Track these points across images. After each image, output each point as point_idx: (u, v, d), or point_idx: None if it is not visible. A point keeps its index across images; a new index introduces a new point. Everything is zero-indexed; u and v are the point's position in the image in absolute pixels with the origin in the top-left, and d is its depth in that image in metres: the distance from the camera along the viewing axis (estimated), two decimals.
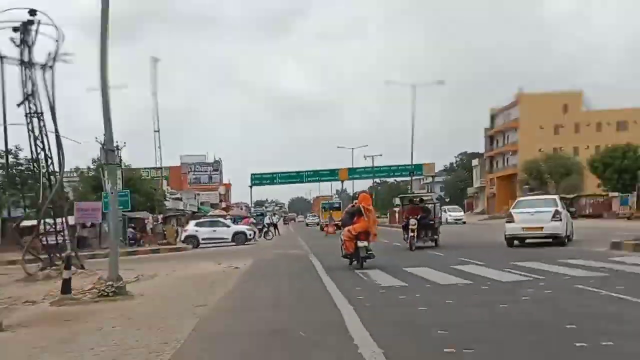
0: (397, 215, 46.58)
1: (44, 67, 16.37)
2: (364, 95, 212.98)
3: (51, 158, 16.82)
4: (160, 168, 45.49)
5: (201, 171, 78.29)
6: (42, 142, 16.64)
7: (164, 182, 50.30)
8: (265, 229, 35.42)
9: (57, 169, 16.62)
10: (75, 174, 40.52)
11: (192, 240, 28.58)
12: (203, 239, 28.70)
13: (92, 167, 36.52)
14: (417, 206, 18.81)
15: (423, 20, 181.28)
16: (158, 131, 44.71)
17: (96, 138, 34.10)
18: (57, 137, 16.33)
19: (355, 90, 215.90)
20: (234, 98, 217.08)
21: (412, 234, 17.03)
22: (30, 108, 16.27)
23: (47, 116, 16.20)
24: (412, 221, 17.16)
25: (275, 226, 37.79)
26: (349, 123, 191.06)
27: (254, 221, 36.06)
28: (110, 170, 10.30)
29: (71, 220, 28.27)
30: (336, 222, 34.72)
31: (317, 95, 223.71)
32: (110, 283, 9.62)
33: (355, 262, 12.46)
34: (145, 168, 48.80)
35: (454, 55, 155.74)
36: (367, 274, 11.24)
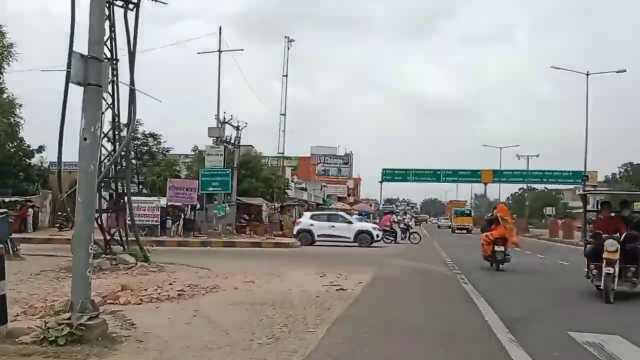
0: (559, 227, 37.24)
1: (125, 4, 12.81)
2: (507, 101, 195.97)
3: (118, 115, 12.96)
4: (282, 154, 41.69)
5: (330, 163, 74.29)
6: (112, 94, 12.82)
7: (288, 170, 46.62)
8: (412, 230, 29.68)
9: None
10: (193, 153, 38.04)
11: (306, 235, 23.57)
12: (319, 235, 23.62)
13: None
14: (615, 216, 9.89)
15: (574, 26, 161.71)
16: (284, 114, 41.05)
17: (216, 116, 30.63)
18: (132, 90, 12.36)
19: (498, 96, 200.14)
20: (372, 96, 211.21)
21: (608, 270, 8.58)
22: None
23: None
24: (610, 244, 8.69)
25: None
26: (489, 129, 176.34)
27: (395, 219, 29.47)
28: (89, 96, 5.18)
29: (163, 200, 25.32)
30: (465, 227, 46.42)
31: (458, 97, 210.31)
32: (67, 318, 4.68)
33: (494, 264, 13.75)
34: (273, 157, 45.77)
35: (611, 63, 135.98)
36: (603, 346, 5.33)
